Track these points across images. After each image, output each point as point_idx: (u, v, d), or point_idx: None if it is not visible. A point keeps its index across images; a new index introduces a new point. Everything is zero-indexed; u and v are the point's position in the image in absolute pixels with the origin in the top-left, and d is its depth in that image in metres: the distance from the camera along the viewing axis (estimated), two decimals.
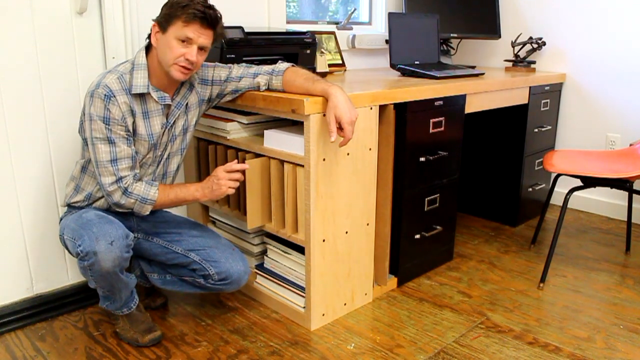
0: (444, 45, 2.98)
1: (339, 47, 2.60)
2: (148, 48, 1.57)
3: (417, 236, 2.08)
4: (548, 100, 2.71)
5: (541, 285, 2.07)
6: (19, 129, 1.74)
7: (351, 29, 2.82)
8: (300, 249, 1.80)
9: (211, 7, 1.50)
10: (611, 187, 2.09)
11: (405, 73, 2.31)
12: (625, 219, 2.77)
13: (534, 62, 2.81)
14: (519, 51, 2.89)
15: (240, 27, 1.87)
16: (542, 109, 2.68)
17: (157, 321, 1.81)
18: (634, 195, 2.66)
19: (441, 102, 2.01)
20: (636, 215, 2.73)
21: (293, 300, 1.82)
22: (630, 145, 2.29)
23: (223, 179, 1.62)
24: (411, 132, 1.92)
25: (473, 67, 2.68)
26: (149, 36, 1.55)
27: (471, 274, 2.18)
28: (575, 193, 2.90)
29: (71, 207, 1.68)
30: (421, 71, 2.22)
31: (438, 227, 2.15)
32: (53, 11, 1.75)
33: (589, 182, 2.03)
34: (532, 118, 2.60)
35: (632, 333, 1.75)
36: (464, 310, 1.90)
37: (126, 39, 1.91)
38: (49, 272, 1.89)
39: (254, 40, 1.89)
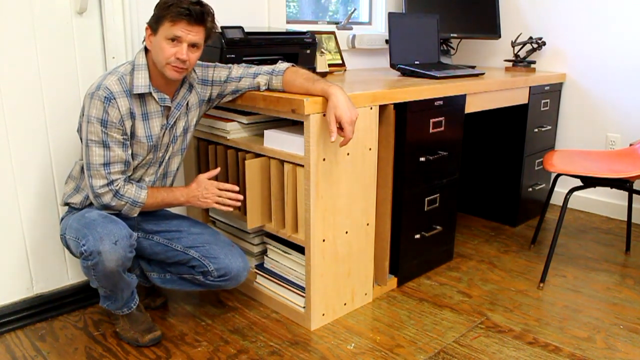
0: (444, 45, 2.98)
1: (339, 47, 2.60)
2: (147, 49, 1.57)
3: (417, 236, 2.08)
4: (548, 100, 2.71)
5: (541, 285, 2.07)
6: (18, 129, 1.74)
7: (351, 29, 2.82)
8: (300, 249, 1.80)
9: (198, 3, 1.48)
10: (611, 187, 2.09)
11: (405, 73, 2.31)
12: (625, 219, 2.77)
13: (534, 62, 2.81)
14: (519, 51, 2.89)
15: (240, 27, 1.87)
16: (542, 109, 2.68)
17: (157, 321, 1.81)
18: (634, 195, 2.66)
19: (441, 102, 2.01)
20: (636, 215, 2.73)
21: (293, 300, 1.82)
22: (630, 145, 2.29)
23: (213, 195, 1.66)
24: (411, 132, 1.92)
25: (473, 67, 2.68)
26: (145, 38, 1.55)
27: (471, 274, 2.18)
28: (575, 193, 2.90)
29: (70, 207, 1.68)
30: (421, 71, 2.22)
31: (438, 227, 2.15)
32: (53, 11, 1.75)
33: (589, 182, 2.03)
34: (532, 118, 2.60)
35: (632, 333, 1.75)
36: (464, 310, 1.90)
37: (126, 39, 1.91)
38: (49, 272, 1.89)
39: (254, 40, 1.89)
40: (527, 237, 2.57)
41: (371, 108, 1.76)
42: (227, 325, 1.79)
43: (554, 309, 1.90)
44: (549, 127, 2.76)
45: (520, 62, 2.82)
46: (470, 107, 2.19)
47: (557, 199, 2.99)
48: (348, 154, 1.72)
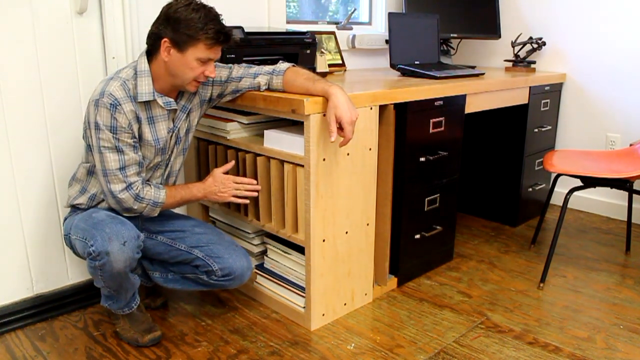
0: (444, 45, 2.98)
1: (339, 47, 2.60)
2: (150, 53, 1.56)
3: (417, 236, 2.08)
4: (548, 100, 2.71)
5: (541, 285, 2.07)
6: (19, 129, 1.74)
7: (351, 29, 2.82)
8: (300, 249, 1.80)
9: (220, 23, 1.51)
10: (611, 187, 2.09)
11: (405, 73, 2.31)
12: (625, 219, 2.77)
13: (534, 62, 2.81)
14: (519, 51, 2.89)
15: (241, 27, 1.87)
16: (542, 109, 2.68)
17: (157, 321, 1.81)
18: (634, 195, 2.66)
19: (441, 102, 2.01)
20: (636, 215, 2.73)
21: (293, 300, 1.82)
22: (630, 145, 2.29)
23: (230, 189, 1.70)
24: (411, 132, 1.92)
25: (473, 67, 2.68)
26: (151, 44, 1.53)
27: (471, 274, 2.18)
28: (575, 193, 2.90)
29: (75, 208, 1.68)
30: (421, 71, 2.22)
31: (438, 227, 2.15)
32: (53, 11, 1.75)
33: (589, 182, 2.03)
34: (532, 118, 2.60)
35: (632, 333, 1.75)
36: (464, 310, 1.90)
37: (126, 39, 1.91)
38: (49, 272, 1.89)
39: (254, 41, 1.89)
40: (527, 237, 2.57)
41: (371, 108, 1.76)
42: (227, 326, 1.79)
43: (554, 309, 1.90)
44: (549, 127, 2.76)
45: (520, 62, 2.82)
46: (470, 107, 2.19)
47: (557, 199, 2.99)
48: (348, 154, 1.72)
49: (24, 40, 1.70)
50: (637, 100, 2.65)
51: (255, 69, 1.74)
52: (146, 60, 1.55)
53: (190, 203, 1.69)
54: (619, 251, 2.40)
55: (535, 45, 2.85)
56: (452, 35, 2.84)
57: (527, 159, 2.64)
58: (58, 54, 1.78)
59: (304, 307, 1.79)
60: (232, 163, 1.74)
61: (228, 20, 2.19)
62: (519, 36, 2.90)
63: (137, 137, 1.56)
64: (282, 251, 1.87)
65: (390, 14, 2.34)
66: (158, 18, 1.51)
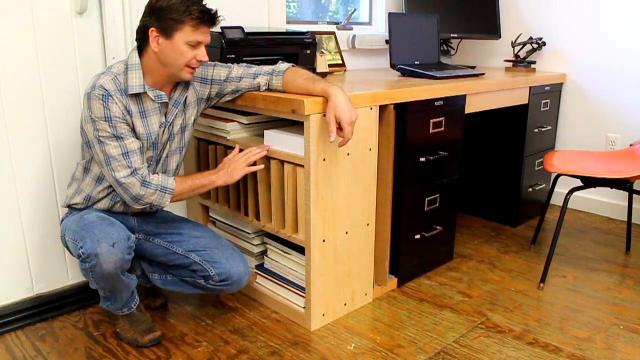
0: (444, 45, 2.98)
1: (339, 47, 2.60)
2: (140, 47, 1.56)
3: (417, 236, 2.08)
4: (548, 101, 2.71)
5: (541, 285, 2.07)
6: (19, 129, 1.74)
7: (351, 29, 2.82)
8: (300, 249, 1.80)
9: (204, 5, 1.51)
10: (611, 187, 2.09)
11: (405, 73, 2.31)
12: (625, 219, 2.77)
13: (534, 62, 2.81)
14: (519, 51, 2.89)
15: (240, 27, 1.87)
16: (542, 109, 2.68)
17: (157, 321, 1.81)
18: (634, 195, 2.66)
19: (441, 102, 2.01)
20: (636, 215, 2.73)
21: (293, 301, 1.82)
22: (630, 145, 2.29)
23: (240, 161, 1.69)
24: (411, 132, 1.92)
25: (473, 67, 2.68)
26: (140, 38, 1.54)
27: (471, 274, 2.18)
28: (575, 193, 2.90)
29: (72, 208, 1.68)
30: (421, 71, 2.22)
31: (438, 227, 2.15)
32: (53, 11, 1.75)
33: (589, 182, 2.03)
34: (532, 118, 2.60)
35: (632, 333, 1.75)
36: (464, 310, 1.90)
37: (126, 39, 1.91)
38: (49, 272, 1.89)
39: (254, 41, 1.89)
40: (527, 237, 2.57)
41: (371, 108, 1.76)
42: (227, 326, 1.79)
43: (554, 309, 1.90)
44: (549, 127, 2.76)
45: (520, 62, 2.82)
46: (470, 107, 2.19)
47: (557, 199, 2.99)
48: (348, 154, 1.72)
49: (24, 41, 1.70)
50: (637, 101, 2.65)
51: (255, 69, 1.74)
52: (137, 54, 1.56)
53: (206, 189, 1.67)
54: (619, 251, 2.40)
55: (535, 46, 2.85)
56: (452, 35, 2.84)
57: (527, 159, 2.64)
58: (58, 54, 1.78)
59: (304, 307, 1.79)
60: (237, 148, 1.74)
61: (228, 20, 2.20)
62: (519, 36, 2.90)
63: (131, 127, 1.56)
64: (282, 251, 1.87)
65: (390, 14, 2.34)
66: (144, 12, 1.52)
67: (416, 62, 2.43)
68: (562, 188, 2.89)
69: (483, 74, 2.39)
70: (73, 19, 1.80)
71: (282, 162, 1.74)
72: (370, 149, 1.80)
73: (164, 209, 1.86)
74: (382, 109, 1.84)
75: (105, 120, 1.49)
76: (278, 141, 1.73)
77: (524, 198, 2.70)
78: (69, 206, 1.68)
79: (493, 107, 2.34)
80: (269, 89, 1.74)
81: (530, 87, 2.53)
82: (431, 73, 2.18)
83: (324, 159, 1.65)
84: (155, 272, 1.80)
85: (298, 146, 1.65)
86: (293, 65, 1.74)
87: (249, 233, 1.99)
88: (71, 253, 1.63)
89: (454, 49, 3.11)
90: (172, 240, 1.71)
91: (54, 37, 1.76)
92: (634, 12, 2.58)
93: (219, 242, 1.72)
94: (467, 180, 2.86)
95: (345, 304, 1.86)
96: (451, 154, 2.12)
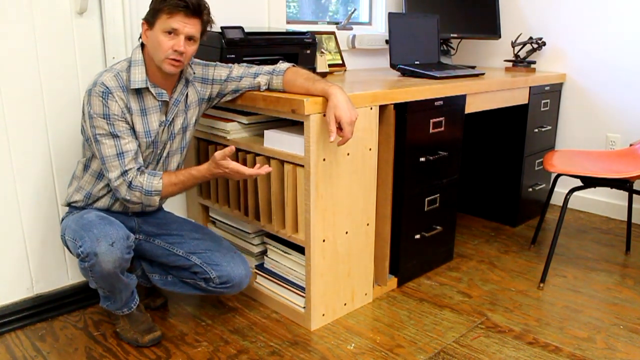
0: (444, 45, 2.98)
1: (339, 47, 2.60)
2: (143, 45, 1.57)
3: (417, 236, 2.08)
4: (548, 100, 2.71)
5: (541, 285, 2.07)
6: (19, 129, 1.74)
7: (351, 29, 2.82)
8: (300, 249, 1.80)
9: None
10: (611, 187, 2.09)
11: (405, 73, 2.31)
12: (625, 219, 2.77)
13: (534, 62, 2.81)
14: (519, 51, 2.89)
15: (240, 27, 1.87)
16: (542, 109, 2.68)
17: (157, 321, 1.81)
18: (634, 195, 2.66)
19: (441, 102, 2.01)
20: (636, 215, 2.73)
21: (293, 301, 1.82)
22: (630, 145, 2.29)
23: (233, 173, 1.58)
24: (411, 132, 1.92)
25: (473, 67, 2.68)
26: (140, 34, 1.56)
27: (471, 274, 2.18)
28: (575, 193, 2.90)
29: (72, 207, 1.68)
30: (421, 71, 2.22)
31: (438, 227, 2.15)
32: (53, 11, 1.75)
33: (589, 182, 2.03)
34: (532, 118, 2.60)
35: (632, 333, 1.75)
36: (464, 310, 1.90)
37: (126, 39, 1.91)
38: (49, 272, 1.89)
39: (254, 41, 1.89)
40: (527, 237, 2.57)
41: (371, 108, 1.76)
42: (227, 326, 1.79)
43: (554, 309, 1.90)
44: (549, 127, 2.76)
45: (520, 62, 2.82)
46: (470, 107, 2.19)
47: (557, 199, 2.99)
48: (348, 154, 1.72)
49: (24, 41, 1.70)
50: (637, 100, 2.65)
51: (255, 68, 1.74)
52: (140, 51, 1.56)
53: (198, 182, 1.63)
54: (619, 251, 2.40)
55: (535, 45, 2.85)
56: (452, 35, 2.84)
57: (527, 159, 2.64)
58: (58, 54, 1.78)
59: (304, 307, 1.79)
60: (232, 148, 1.58)
61: (228, 20, 2.20)
62: (519, 36, 2.90)
63: (130, 125, 1.55)
64: (282, 251, 1.87)
65: (390, 14, 2.34)
66: None
67: (416, 62, 2.43)
68: (562, 188, 2.89)
69: (483, 74, 2.39)
70: (73, 19, 1.80)
71: (282, 162, 1.74)
72: (370, 149, 1.80)
73: (165, 209, 1.86)
74: (382, 109, 1.84)
75: (104, 118, 1.50)
76: (278, 141, 1.73)
77: (524, 198, 2.70)
78: (69, 204, 1.68)
79: (493, 107, 2.34)
80: (269, 89, 1.74)
81: (530, 87, 2.53)
82: (431, 73, 2.18)
83: (324, 159, 1.65)
84: (156, 273, 1.80)
85: (298, 146, 1.65)
86: (293, 65, 1.74)
87: (249, 233, 1.99)
88: (71, 252, 1.63)
89: (454, 49, 3.10)
90: (173, 242, 1.71)
91: (54, 37, 1.76)
92: (634, 12, 2.58)
93: (220, 245, 1.72)
94: (467, 180, 2.86)
95: (345, 304, 1.86)
96: (451, 154, 2.12)
